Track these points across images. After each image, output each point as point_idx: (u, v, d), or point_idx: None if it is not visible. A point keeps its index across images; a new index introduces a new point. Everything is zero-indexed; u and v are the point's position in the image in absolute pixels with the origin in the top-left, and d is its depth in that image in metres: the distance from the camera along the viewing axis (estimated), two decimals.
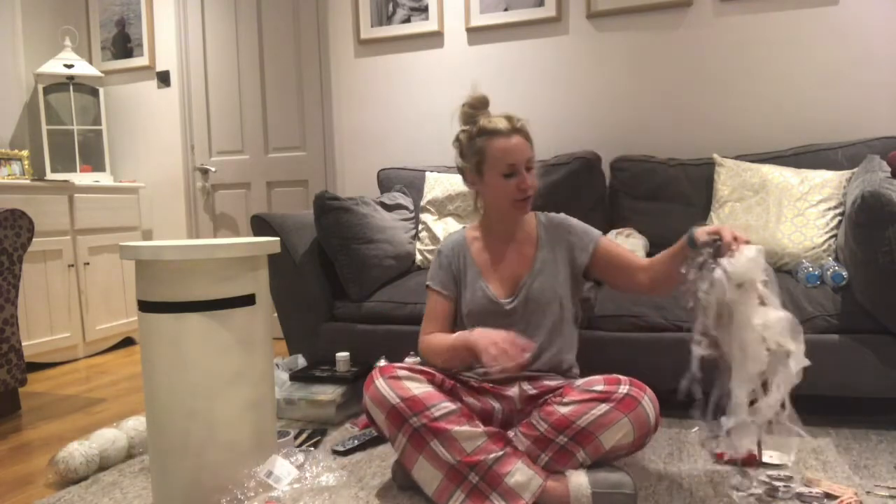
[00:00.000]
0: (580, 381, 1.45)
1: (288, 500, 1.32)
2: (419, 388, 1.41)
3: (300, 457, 1.61)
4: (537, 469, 1.34)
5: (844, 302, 1.78)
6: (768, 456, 1.55)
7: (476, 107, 1.60)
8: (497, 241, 1.64)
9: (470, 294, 1.61)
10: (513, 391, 1.56)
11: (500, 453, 1.33)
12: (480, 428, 1.36)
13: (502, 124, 1.54)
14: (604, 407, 1.34)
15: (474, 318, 1.58)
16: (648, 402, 1.35)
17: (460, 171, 1.65)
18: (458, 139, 1.63)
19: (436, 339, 1.58)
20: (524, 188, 1.53)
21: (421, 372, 1.47)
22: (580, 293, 1.69)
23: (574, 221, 1.65)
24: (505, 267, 1.61)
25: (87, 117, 3.50)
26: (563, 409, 1.37)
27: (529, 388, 1.54)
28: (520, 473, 1.31)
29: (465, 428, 1.34)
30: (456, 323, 1.66)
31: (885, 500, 1.34)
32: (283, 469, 1.41)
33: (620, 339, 1.92)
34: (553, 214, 1.68)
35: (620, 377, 1.41)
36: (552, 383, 1.53)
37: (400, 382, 1.41)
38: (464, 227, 1.73)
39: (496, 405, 1.53)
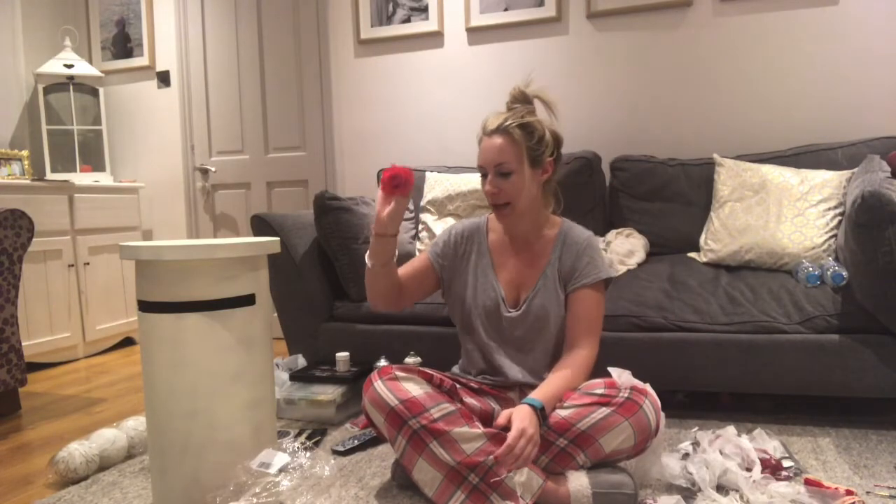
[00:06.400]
0: (581, 385, 1.45)
1: (288, 499, 1.32)
2: (418, 390, 1.40)
3: (300, 457, 1.61)
4: (537, 470, 1.34)
5: (844, 302, 1.78)
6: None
7: (514, 100, 1.54)
8: (514, 239, 1.59)
9: (479, 284, 1.57)
10: (513, 393, 1.56)
11: None
12: (480, 429, 1.35)
13: (492, 123, 1.50)
14: (604, 410, 1.34)
15: (476, 312, 1.57)
16: (649, 405, 1.35)
17: None
18: None
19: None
20: (486, 192, 1.50)
21: (420, 373, 1.46)
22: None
23: (591, 250, 1.53)
24: (515, 270, 1.57)
25: (87, 117, 3.50)
26: (564, 412, 1.37)
27: (530, 392, 1.53)
28: (520, 474, 1.31)
29: (465, 429, 1.34)
30: (451, 310, 1.64)
31: (885, 500, 1.34)
32: (274, 457, 1.40)
33: (620, 339, 1.92)
34: (578, 231, 1.57)
35: None
36: None
37: (398, 384, 1.41)
38: (486, 215, 1.68)
39: (496, 407, 1.53)
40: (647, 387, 1.39)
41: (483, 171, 1.50)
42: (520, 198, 1.49)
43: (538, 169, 1.51)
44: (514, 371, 1.54)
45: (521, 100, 1.54)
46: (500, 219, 1.53)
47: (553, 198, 1.60)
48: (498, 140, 1.47)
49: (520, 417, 1.28)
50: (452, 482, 1.31)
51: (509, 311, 1.54)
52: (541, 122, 1.52)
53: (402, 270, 1.58)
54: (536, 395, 1.35)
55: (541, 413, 1.32)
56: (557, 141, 1.55)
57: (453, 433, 1.33)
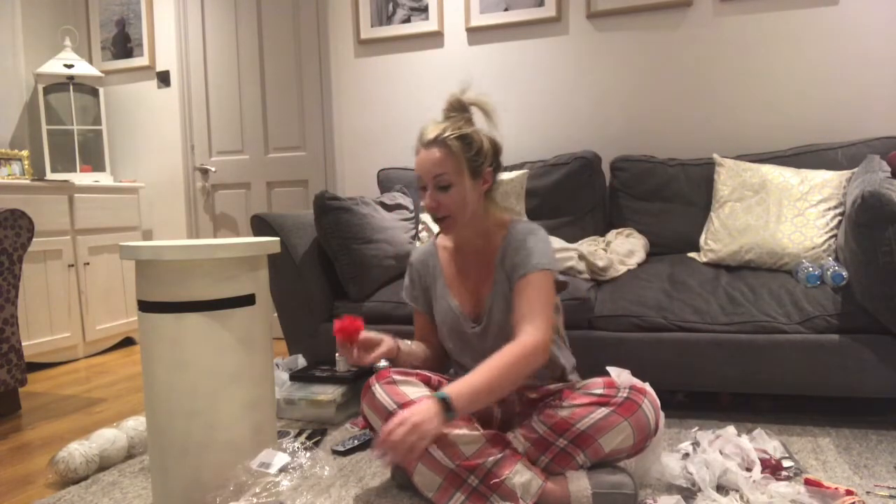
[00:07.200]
0: (580, 384, 1.45)
1: (288, 499, 1.32)
2: (416, 393, 1.40)
3: (300, 457, 1.61)
4: (537, 470, 1.34)
5: (844, 302, 1.78)
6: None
7: (450, 108, 1.48)
8: (463, 251, 1.56)
9: (439, 307, 1.58)
10: (511, 395, 1.56)
11: (500, 456, 1.33)
12: (479, 431, 1.35)
13: (429, 133, 1.44)
14: (604, 410, 1.34)
15: (445, 333, 1.57)
16: (648, 405, 1.35)
17: None
18: None
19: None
20: (426, 206, 1.45)
21: (418, 375, 1.46)
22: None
23: (528, 242, 1.44)
24: (469, 282, 1.54)
25: (87, 117, 3.50)
26: (563, 412, 1.37)
27: (529, 392, 1.53)
28: (519, 475, 1.31)
29: (464, 431, 1.33)
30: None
31: (885, 500, 1.34)
32: (274, 457, 1.39)
33: (620, 339, 1.92)
34: (521, 227, 1.49)
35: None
36: (551, 387, 1.53)
37: (396, 388, 1.41)
38: (436, 235, 1.67)
39: (495, 408, 1.53)
40: (647, 386, 1.39)
41: (421, 182, 1.46)
42: (462, 211, 1.44)
43: (478, 180, 1.46)
44: None
45: (458, 108, 1.48)
46: (443, 231, 1.50)
47: (497, 205, 1.54)
48: (436, 152, 1.42)
49: (412, 408, 1.23)
50: (452, 484, 1.31)
51: (472, 327, 1.53)
52: (479, 132, 1.46)
53: (417, 334, 1.66)
54: (451, 387, 1.26)
55: (445, 404, 1.23)
56: (496, 150, 1.50)
57: (452, 436, 1.32)
